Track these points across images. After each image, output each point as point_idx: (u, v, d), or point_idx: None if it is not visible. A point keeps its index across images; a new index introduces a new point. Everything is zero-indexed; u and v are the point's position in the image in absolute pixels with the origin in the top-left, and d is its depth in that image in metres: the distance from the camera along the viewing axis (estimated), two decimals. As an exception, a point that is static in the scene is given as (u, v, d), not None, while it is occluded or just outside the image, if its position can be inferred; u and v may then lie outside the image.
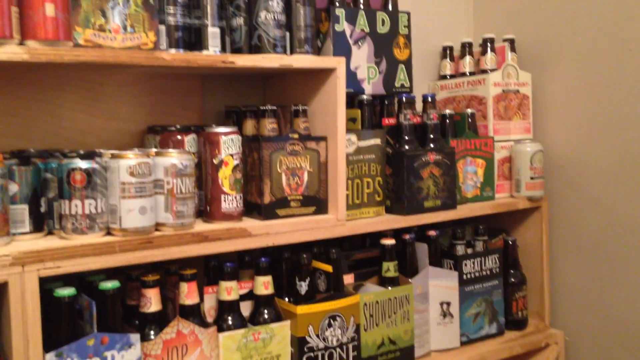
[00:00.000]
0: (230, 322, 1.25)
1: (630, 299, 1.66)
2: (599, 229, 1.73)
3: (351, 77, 1.52)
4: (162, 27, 1.23)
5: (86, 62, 1.09)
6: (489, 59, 1.84)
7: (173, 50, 1.24)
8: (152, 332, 1.15)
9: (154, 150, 1.21)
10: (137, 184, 1.12)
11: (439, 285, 1.58)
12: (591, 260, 1.75)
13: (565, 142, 1.82)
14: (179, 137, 1.31)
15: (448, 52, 1.94)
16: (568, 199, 1.81)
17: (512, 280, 1.72)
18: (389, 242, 1.49)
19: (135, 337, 1.10)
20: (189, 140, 1.32)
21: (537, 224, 1.79)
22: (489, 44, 1.85)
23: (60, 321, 1.06)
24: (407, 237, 1.56)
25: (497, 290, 1.68)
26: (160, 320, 1.17)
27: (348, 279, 1.49)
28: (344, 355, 1.37)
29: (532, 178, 1.74)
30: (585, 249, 1.77)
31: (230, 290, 1.25)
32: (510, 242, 1.73)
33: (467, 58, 1.88)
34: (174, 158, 1.18)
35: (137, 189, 1.12)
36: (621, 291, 1.68)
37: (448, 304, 1.59)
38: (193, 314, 1.20)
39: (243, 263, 1.38)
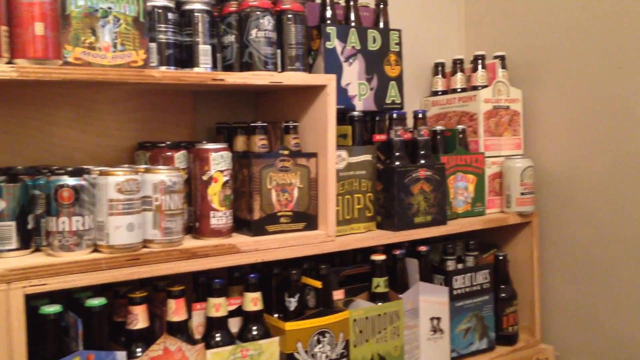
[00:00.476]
0: (218, 339, 1.23)
1: (620, 314, 1.65)
2: (590, 244, 1.72)
3: (342, 93, 1.52)
4: (153, 45, 1.23)
5: (75, 79, 1.08)
6: (480, 76, 1.84)
7: (164, 68, 1.23)
8: (138, 350, 1.13)
9: (142, 166, 1.20)
10: (125, 201, 1.11)
11: (429, 300, 1.56)
12: (582, 275, 1.74)
13: (556, 157, 1.81)
14: (168, 153, 1.30)
15: (440, 68, 1.94)
16: (558, 215, 1.80)
17: (503, 295, 1.71)
18: (379, 257, 1.48)
19: (121, 355, 1.09)
20: (179, 156, 1.31)
21: (528, 239, 1.78)
22: (479, 61, 1.84)
23: (46, 339, 1.05)
24: (397, 252, 1.55)
25: (488, 306, 1.66)
26: (147, 338, 1.15)
27: (338, 294, 1.47)
28: (333, 372, 1.35)
29: (522, 194, 1.73)
30: (575, 264, 1.75)
31: (218, 306, 1.24)
32: (501, 258, 1.72)
33: (459, 74, 1.88)
34: (162, 175, 1.17)
35: (125, 205, 1.11)
36: (612, 306, 1.67)
37: (438, 319, 1.57)
38: (180, 330, 1.18)
39: (232, 279, 1.37)
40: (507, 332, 1.70)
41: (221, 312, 1.24)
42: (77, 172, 1.10)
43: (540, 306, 1.77)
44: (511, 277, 1.75)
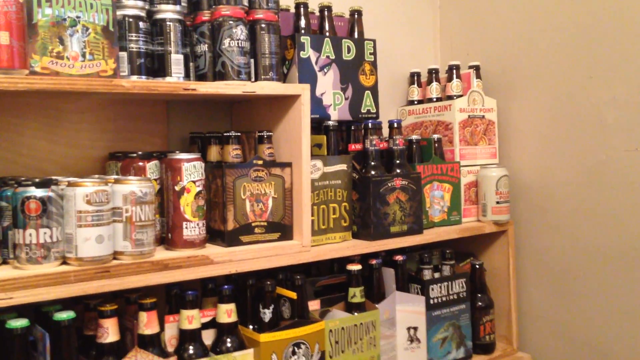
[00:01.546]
0: (191, 352, 1.21)
1: (595, 322, 1.65)
2: (565, 252, 1.72)
3: (317, 103, 1.51)
4: (124, 54, 1.21)
5: (42, 89, 1.06)
6: (455, 86, 1.84)
7: (135, 77, 1.22)
8: (108, 364, 1.11)
9: (112, 177, 1.18)
10: (94, 212, 1.08)
11: (405, 310, 1.55)
12: (557, 283, 1.74)
13: (531, 166, 1.82)
14: (140, 163, 1.28)
15: (415, 78, 1.94)
16: (534, 223, 1.80)
17: (480, 304, 1.70)
18: (355, 267, 1.47)
19: (90, 370, 1.06)
20: (151, 166, 1.29)
21: (504, 248, 1.78)
22: (454, 71, 1.85)
23: (13, 353, 1.02)
24: (373, 262, 1.54)
25: (465, 315, 1.66)
26: (118, 351, 1.12)
27: (314, 305, 1.46)
28: (309, 383, 1.33)
29: (498, 202, 1.73)
30: (551, 273, 1.76)
31: (191, 319, 1.21)
32: (477, 266, 1.72)
33: (434, 84, 1.88)
34: (133, 185, 1.15)
35: (94, 217, 1.09)
36: (587, 314, 1.67)
37: (415, 329, 1.56)
38: (152, 344, 1.16)
39: (206, 291, 1.35)
40: (484, 341, 1.69)
41: (194, 324, 1.22)
42: (44, 183, 1.07)
43: (516, 315, 1.77)
44: (488, 285, 1.75)
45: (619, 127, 1.60)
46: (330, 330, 1.40)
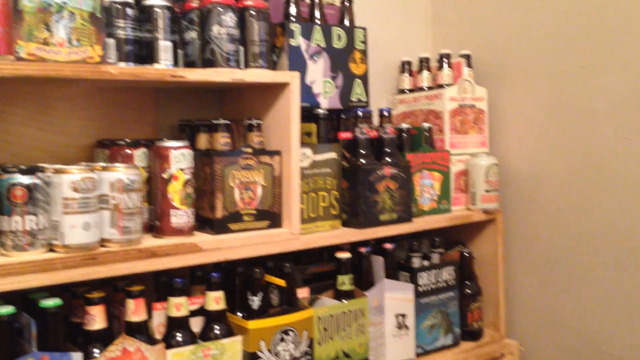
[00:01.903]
0: (179, 339, 1.20)
1: (583, 309, 1.65)
2: (553, 240, 1.72)
3: (307, 91, 1.49)
4: (112, 41, 1.19)
5: (28, 76, 1.04)
6: (446, 74, 1.83)
7: (122, 64, 1.20)
8: (96, 351, 1.10)
9: (100, 164, 1.16)
10: (81, 200, 1.07)
11: (394, 297, 1.54)
12: (546, 271, 1.74)
13: (520, 155, 1.81)
14: (128, 151, 1.26)
15: (406, 66, 1.92)
16: (523, 212, 1.79)
17: (468, 291, 1.70)
18: (344, 255, 1.46)
19: (77, 356, 1.05)
20: (139, 154, 1.27)
21: (493, 236, 1.77)
22: (445, 60, 1.83)
23: (-1, 340, 1.01)
24: (363, 250, 1.53)
25: (453, 302, 1.65)
26: (105, 338, 1.11)
27: (303, 292, 1.44)
28: (297, 370, 1.33)
29: (487, 191, 1.72)
30: (539, 260, 1.75)
31: (179, 306, 1.20)
32: (466, 254, 1.71)
33: (425, 73, 1.87)
34: (120, 173, 1.13)
35: (81, 204, 1.07)
36: (575, 301, 1.67)
37: (404, 316, 1.56)
38: (140, 331, 1.15)
39: (195, 278, 1.34)
40: (472, 328, 1.69)
41: (182, 312, 1.21)
42: (30, 170, 1.06)
43: (505, 302, 1.77)
44: (476, 273, 1.74)
45: (609, 117, 1.59)
46: (319, 318, 1.39)
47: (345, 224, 1.51)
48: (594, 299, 1.62)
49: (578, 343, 1.66)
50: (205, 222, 1.31)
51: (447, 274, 1.65)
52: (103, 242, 1.12)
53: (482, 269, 1.77)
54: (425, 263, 1.65)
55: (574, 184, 1.67)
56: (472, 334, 1.69)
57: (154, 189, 1.24)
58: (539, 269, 1.75)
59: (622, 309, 1.56)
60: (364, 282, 1.53)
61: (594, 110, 1.62)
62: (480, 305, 1.71)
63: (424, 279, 1.60)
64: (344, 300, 1.45)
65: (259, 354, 1.27)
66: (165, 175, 1.22)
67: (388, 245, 1.56)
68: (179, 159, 1.22)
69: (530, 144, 1.78)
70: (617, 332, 1.57)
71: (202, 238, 1.25)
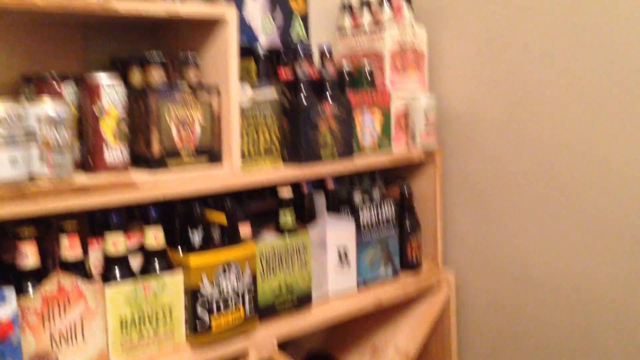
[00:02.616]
0: (117, 275, 1.16)
1: (515, 238, 1.68)
2: (488, 176, 1.73)
3: (246, 28, 1.43)
4: (34, -30, 1.09)
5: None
6: (386, 15, 1.78)
7: (47, -5, 1.11)
8: (30, 287, 1.05)
9: (26, 98, 1.08)
10: (6, 134, 1.00)
11: (336, 232, 1.54)
12: (481, 206, 1.76)
13: (458, 95, 1.80)
14: (55, 85, 1.18)
15: (347, 6, 1.87)
16: (460, 150, 1.80)
17: (407, 226, 1.70)
18: (286, 192, 1.43)
19: (9, 291, 1.00)
20: (67, 89, 1.19)
21: (432, 174, 1.77)
22: (386, 0, 1.78)
23: None
24: (304, 187, 1.50)
25: (393, 236, 1.66)
26: (39, 276, 1.06)
27: (245, 229, 1.42)
28: (241, 304, 1.31)
29: (426, 131, 1.71)
30: (476, 196, 1.77)
31: (116, 243, 1.16)
32: (406, 191, 1.71)
33: (365, 13, 1.81)
34: (47, 106, 1.06)
35: (7, 139, 1.00)
36: (507, 232, 1.70)
37: (345, 250, 1.55)
38: (76, 268, 1.10)
39: (133, 217, 1.29)
40: (411, 260, 1.71)
41: (119, 248, 1.16)
42: (-51, 104, 0.98)
43: (442, 236, 1.79)
44: (415, 209, 1.75)
45: (543, 57, 1.58)
46: (262, 253, 1.37)
47: (286, 162, 1.48)
48: (524, 230, 1.65)
49: (511, 270, 1.69)
50: (141, 160, 1.25)
51: (388, 210, 1.64)
52: (33, 178, 1.06)
53: (421, 205, 1.78)
54: (366, 199, 1.64)
55: (510, 124, 1.67)
56: (411, 266, 1.71)
57: (85, 125, 1.17)
58: (475, 203, 1.77)
59: (550, 238, 1.60)
60: (306, 218, 1.51)
61: (529, 51, 1.61)
62: (419, 239, 1.73)
63: (365, 214, 1.60)
64: (286, 236, 1.43)
65: (202, 288, 1.24)
66: (96, 111, 1.15)
67: (329, 183, 1.54)
68: (111, 93, 1.15)
69: (469, 84, 1.77)
70: (546, 259, 1.61)
71: (139, 175, 1.20)
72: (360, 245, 1.59)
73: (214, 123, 1.31)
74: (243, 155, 1.36)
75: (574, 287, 1.56)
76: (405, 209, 1.71)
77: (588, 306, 1.54)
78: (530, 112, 1.62)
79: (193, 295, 1.23)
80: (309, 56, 1.56)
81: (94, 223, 1.23)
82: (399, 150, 1.71)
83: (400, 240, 1.69)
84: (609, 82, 1.46)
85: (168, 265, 1.23)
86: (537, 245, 1.63)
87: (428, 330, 1.72)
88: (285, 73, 1.49)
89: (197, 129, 1.29)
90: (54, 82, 1.18)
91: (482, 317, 1.77)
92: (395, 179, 1.79)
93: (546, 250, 1.61)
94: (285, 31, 1.50)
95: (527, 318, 1.66)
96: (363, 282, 1.60)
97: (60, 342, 1.07)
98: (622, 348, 1.48)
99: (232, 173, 1.33)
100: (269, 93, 1.42)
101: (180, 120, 1.26)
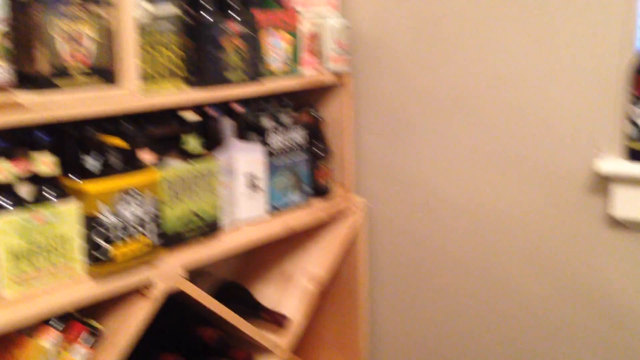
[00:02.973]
0: (6, 204, 1.07)
1: (424, 164, 1.71)
2: (400, 100, 1.73)
3: None
4: None
5: None
6: None
7: None
8: None
9: None
10: None
11: (245, 158, 1.50)
12: (392, 131, 1.77)
13: (370, 18, 1.76)
14: None
15: None
16: (371, 74, 1.78)
17: (318, 152, 1.69)
18: (190, 115, 1.37)
19: None
20: None
21: (342, 99, 1.75)
22: None
23: None
24: (209, 110, 1.44)
25: (303, 162, 1.65)
26: None
27: (147, 155, 1.35)
28: (144, 231, 1.26)
29: (337, 53, 1.68)
30: (387, 120, 1.77)
31: (2, 170, 1.07)
32: (316, 116, 1.69)
33: None
34: None
35: None
36: (417, 158, 1.72)
37: (255, 176, 1.53)
38: (-45, 197, 1.01)
39: (19, 141, 1.18)
40: (322, 186, 1.71)
41: (7, 176, 1.07)
42: None
43: (353, 162, 1.79)
44: (326, 135, 1.74)
45: (450, -24, 1.58)
46: (166, 179, 1.32)
47: (190, 84, 1.40)
48: (434, 154, 1.69)
49: (420, 194, 1.73)
50: (28, 79, 1.14)
51: (297, 135, 1.62)
52: None
53: (332, 131, 1.77)
54: (275, 124, 1.60)
55: (421, 45, 1.67)
56: (321, 192, 1.71)
57: (-43, 38, 1.05)
58: (386, 128, 1.78)
59: (459, 162, 1.64)
60: (213, 143, 1.46)
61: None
62: (329, 165, 1.73)
63: (274, 139, 1.57)
64: (191, 162, 1.37)
65: (101, 217, 1.18)
66: (-31, 22, 1.03)
67: (236, 106, 1.49)
68: (-15, 2, 1.03)
69: (379, 5, 1.74)
70: (455, 183, 1.66)
71: (25, 96, 1.09)
72: (270, 171, 1.57)
73: (109, 40, 1.22)
74: (143, 77, 1.28)
75: (481, 210, 1.63)
76: (315, 134, 1.69)
77: (493, 228, 1.61)
78: (440, 34, 1.62)
79: (91, 224, 1.17)
80: (212, -30, 1.46)
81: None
82: (309, 73, 1.67)
83: (311, 166, 1.68)
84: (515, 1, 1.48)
85: (63, 194, 1.15)
86: (446, 169, 1.67)
87: (339, 255, 1.75)
88: (186, -12, 1.40)
89: (90, 45, 1.19)
90: None
91: (393, 241, 1.82)
92: (305, 104, 1.76)
93: (455, 174, 1.66)
94: (185, -58, 1.39)
95: (436, 240, 1.72)
96: (274, 208, 1.59)
97: (-58, 277, 0.98)
98: (523, 264, 1.58)
99: (130, 95, 1.25)
100: (169, 9, 1.33)
101: (69, 36, 1.15)
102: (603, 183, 1.41)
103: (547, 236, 1.52)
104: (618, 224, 1.41)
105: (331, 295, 1.86)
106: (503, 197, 1.58)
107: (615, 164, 1.37)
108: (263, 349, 1.58)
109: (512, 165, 1.55)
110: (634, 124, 1.34)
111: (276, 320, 1.59)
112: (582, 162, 1.43)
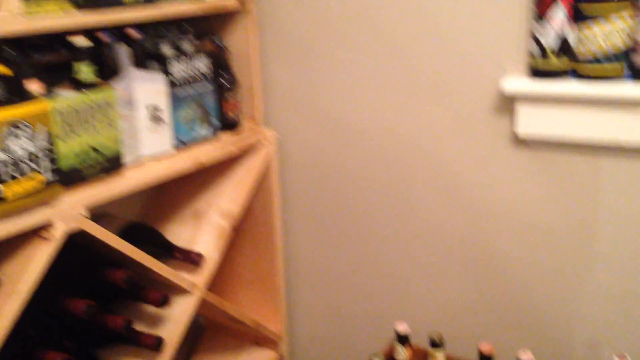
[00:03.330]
0: None
1: (334, 95, 1.69)
2: (308, 28, 1.68)
3: None
4: None
5: None
6: None
7: None
8: None
9: None
10: None
11: (145, 88, 1.40)
12: (300, 60, 1.72)
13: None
14: None
15: None
16: (277, 2, 1.71)
17: (224, 83, 1.62)
18: (80, 39, 1.25)
19: None
20: None
21: (247, 27, 1.67)
22: None
23: None
24: (102, 36, 1.33)
25: (209, 94, 1.57)
26: None
27: (34, 86, 1.23)
28: (38, 168, 1.15)
29: (238, -24, 1.59)
30: (294, 51, 1.72)
31: None
32: (220, 44, 1.61)
33: None
34: None
35: None
36: (327, 88, 1.69)
37: (158, 108, 1.44)
38: None
39: None
40: (230, 119, 1.64)
41: None
42: None
43: (261, 93, 1.73)
44: (232, 65, 1.66)
45: None
46: (57, 111, 1.20)
47: (78, 6, 1.28)
48: (342, 84, 1.66)
49: (330, 123, 1.71)
50: None
51: (201, 64, 1.54)
52: None
53: (238, 62, 1.69)
54: (177, 52, 1.51)
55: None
56: (230, 125, 1.65)
57: None
58: (294, 58, 1.73)
59: (367, 87, 1.63)
60: (108, 72, 1.35)
61: None
62: (236, 97, 1.66)
63: (177, 68, 1.48)
64: (85, 92, 1.27)
65: (-16, 152, 1.07)
66: None
67: (132, 32, 1.38)
68: None
69: None
70: (363, 108, 1.65)
71: None
72: (174, 103, 1.48)
73: (-23, -49, 1.07)
74: (23, -3, 1.15)
75: (390, 135, 1.63)
76: (220, 64, 1.61)
77: (403, 152, 1.63)
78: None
79: (-26, 160, 1.05)
80: None
81: None
82: (210, -2, 1.58)
83: (218, 98, 1.60)
84: None
85: (-64, 127, 1.02)
86: (353, 95, 1.66)
87: (251, 189, 1.71)
88: None
89: (-46, -44, 1.04)
90: None
91: (304, 173, 1.80)
92: (207, 31, 1.67)
93: (363, 100, 1.65)
94: None
95: (346, 168, 1.72)
96: (181, 143, 1.51)
97: None
98: (433, 186, 1.61)
99: (10, 16, 1.12)
100: None
101: None
102: (509, 102, 1.45)
103: (455, 157, 1.56)
104: (522, 143, 1.46)
105: (245, 230, 1.83)
106: (412, 120, 1.59)
107: (519, 83, 1.41)
108: (179, 289, 1.53)
109: (420, 88, 1.56)
110: (537, 42, 1.37)
111: (190, 259, 1.54)
112: (489, 83, 1.46)
